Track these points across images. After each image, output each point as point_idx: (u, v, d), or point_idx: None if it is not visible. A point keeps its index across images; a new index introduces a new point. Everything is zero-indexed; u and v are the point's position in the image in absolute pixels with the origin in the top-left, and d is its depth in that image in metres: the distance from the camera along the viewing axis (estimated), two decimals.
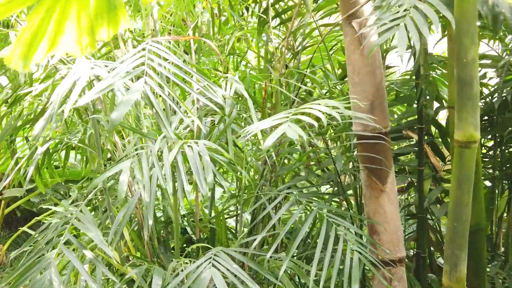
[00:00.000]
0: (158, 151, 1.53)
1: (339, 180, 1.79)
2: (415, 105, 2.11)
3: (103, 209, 2.06)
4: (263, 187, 1.87)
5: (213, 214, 2.16)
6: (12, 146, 1.91)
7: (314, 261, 1.41)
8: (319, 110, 1.26)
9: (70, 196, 5.21)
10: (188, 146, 1.54)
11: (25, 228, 3.52)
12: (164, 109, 1.54)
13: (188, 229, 2.31)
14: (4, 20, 1.58)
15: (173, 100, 1.68)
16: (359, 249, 1.48)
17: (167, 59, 1.35)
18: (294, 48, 2.23)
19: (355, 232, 1.59)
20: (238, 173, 1.82)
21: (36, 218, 3.61)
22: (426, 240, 1.98)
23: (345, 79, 2.05)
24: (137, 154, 1.52)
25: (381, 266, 1.52)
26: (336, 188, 1.99)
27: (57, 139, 1.75)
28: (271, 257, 1.78)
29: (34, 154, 1.68)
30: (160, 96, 1.32)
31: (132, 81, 1.41)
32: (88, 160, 2.18)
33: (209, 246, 1.73)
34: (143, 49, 1.34)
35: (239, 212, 2.36)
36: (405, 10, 1.32)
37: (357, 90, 1.66)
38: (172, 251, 2.24)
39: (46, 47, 0.72)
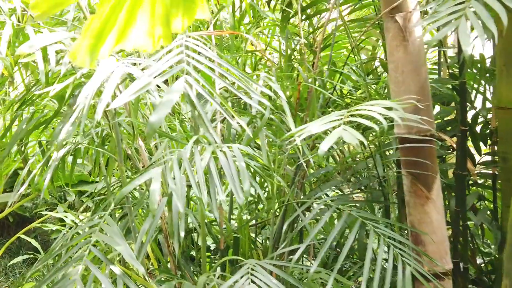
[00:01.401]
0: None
1: (381, 186, 1.71)
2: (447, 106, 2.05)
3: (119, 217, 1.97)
4: (294, 193, 1.78)
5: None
6: (24, 151, 1.80)
7: (364, 277, 1.33)
8: (378, 112, 1.17)
9: (66, 200, 5.08)
10: (221, 150, 1.45)
11: (21, 235, 3.40)
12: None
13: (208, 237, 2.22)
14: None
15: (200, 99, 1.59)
16: (410, 261, 1.40)
17: (206, 56, 1.26)
18: (318, 45, 2.14)
19: (399, 241, 1.51)
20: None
21: (39, 223, 3.49)
22: (467, 251, 1.91)
23: (378, 78, 1.97)
24: (166, 160, 1.43)
25: (432, 279, 1.44)
26: (369, 195, 1.91)
27: (73, 143, 1.65)
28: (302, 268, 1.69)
29: (50, 160, 1.58)
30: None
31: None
32: (96, 164, 2.08)
33: (241, 258, 1.64)
34: (180, 45, 1.24)
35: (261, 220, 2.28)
36: (464, 2, 1.24)
37: (400, 89, 1.58)
38: (196, 262, 2.15)
39: (114, 40, 0.63)
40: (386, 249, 1.45)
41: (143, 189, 2.42)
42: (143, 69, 1.27)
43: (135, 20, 0.62)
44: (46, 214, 5.20)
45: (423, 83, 1.57)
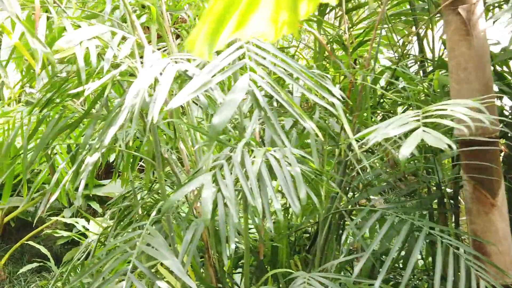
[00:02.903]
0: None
1: (443, 193, 1.62)
2: None
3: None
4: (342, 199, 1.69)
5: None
6: (51, 156, 1.70)
7: None
8: (461, 112, 1.08)
9: (72, 204, 4.96)
10: (272, 155, 1.36)
11: (27, 242, 3.30)
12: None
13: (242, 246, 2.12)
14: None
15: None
16: (482, 274, 1.31)
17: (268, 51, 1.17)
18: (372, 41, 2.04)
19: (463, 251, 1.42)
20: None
21: (46, 228, 3.38)
22: None
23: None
24: (215, 165, 1.34)
25: None
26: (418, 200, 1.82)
27: (106, 147, 1.55)
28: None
29: (83, 165, 1.48)
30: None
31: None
32: (124, 170, 1.99)
33: (290, 271, 1.55)
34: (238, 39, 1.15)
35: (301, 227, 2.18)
36: None
37: (462, 88, 1.49)
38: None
39: (232, 27, 0.53)
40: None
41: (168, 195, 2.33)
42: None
43: (258, 3, 0.53)
44: (47, 219, 5.10)
45: (488, 81, 1.48)
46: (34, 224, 5.58)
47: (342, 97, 1.37)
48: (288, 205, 2.31)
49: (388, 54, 3.12)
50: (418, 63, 2.30)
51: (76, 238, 3.33)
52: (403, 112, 2.35)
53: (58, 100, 1.62)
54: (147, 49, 1.29)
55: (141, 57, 1.48)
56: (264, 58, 1.11)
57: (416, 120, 1.11)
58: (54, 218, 4.49)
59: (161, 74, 1.13)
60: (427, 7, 2.19)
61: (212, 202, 1.40)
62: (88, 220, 3.49)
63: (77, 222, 3.40)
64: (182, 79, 1.26)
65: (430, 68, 2.23)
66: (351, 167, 1.75)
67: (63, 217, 4.39)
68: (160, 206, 1.50)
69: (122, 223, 2.03)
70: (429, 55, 2.30)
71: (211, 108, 1.36)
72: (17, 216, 4.76)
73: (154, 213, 1.43)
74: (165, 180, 1.92)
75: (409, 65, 2.29)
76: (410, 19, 2.29)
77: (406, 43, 2.81)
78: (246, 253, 1.59)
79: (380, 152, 1.62)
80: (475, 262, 1.36)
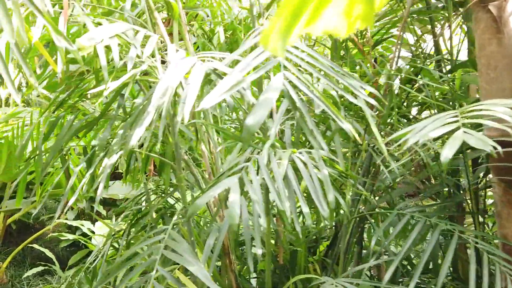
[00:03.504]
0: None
1: (471, 196, 1.58)
2: None
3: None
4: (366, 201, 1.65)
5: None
6: (66, 158, 1.66)
7: None
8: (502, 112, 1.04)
9: (72, 208, 4.89)
10: (297, 156, 1.33)
11: (30, 244, 3.25)
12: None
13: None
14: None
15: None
16: None
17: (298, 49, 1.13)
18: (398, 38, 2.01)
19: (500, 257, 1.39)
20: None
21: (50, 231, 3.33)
22: None
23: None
24: (240, 168, 1.30)
25: None
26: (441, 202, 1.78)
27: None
28: None
29: (101, 167, 1.45)
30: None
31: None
32: (132, 172, 1.95)
33: (315, 276, 1.51)
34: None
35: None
36: None
37: (492, 88, 1.46)
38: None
39: (304, 22, 0.49)
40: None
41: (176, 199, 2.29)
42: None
43: None
44: (47, 222, 5.05)
45: None
46: (33, 226, 5.53)
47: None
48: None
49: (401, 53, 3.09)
50: (434, 62, 2.26)
51: (82, 241, 3.29)
52: (419, 113, 2.32)
53: (72, 101, 1.58)
54: (170, 48, 1.25)
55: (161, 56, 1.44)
56: (301, 58, 1.08)
57: (454, 121, 1.08)
58: (58, 220, 4.45)
59: (188, 73, 1.09)
60: (441, 5, 2.16)
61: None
62: (93, 223, 3.45)
63: (82, 225, 3.35)
64: (206, 79, 1.22)
65: (443, 68, 2.19)
66: (373, 169, 1.72)
67: (66, 219, 4.34)
68: (181, 210, 1.46)
69: (134, 227, 2.00)
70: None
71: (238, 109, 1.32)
72: (18, 218, 4.71)
73: (175, 217, 1.39)
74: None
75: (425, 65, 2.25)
76: (426, 18, 2.26)
77: (419, 42, 2.78)
78: (267, 258, 1.55)
79: (405, 154, 1.58)
80: (506, 266, 1.33)
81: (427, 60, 1.93)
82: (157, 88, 1.10)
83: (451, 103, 1.87)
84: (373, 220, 1.60)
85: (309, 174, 1.29)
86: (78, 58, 1.06)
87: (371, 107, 1.60)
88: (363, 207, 1.67)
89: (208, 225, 1.76)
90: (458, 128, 1.05)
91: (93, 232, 3.30)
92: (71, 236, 3.19)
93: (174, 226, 1.32)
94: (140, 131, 1.09)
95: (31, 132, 1.53)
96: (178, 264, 1.61)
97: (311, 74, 1.13)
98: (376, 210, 1.64)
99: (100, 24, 1.26)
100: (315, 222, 1.99)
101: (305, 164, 1.32)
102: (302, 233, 1.85)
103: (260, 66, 1.05)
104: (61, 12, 1.22)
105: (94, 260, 1.99)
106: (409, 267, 1.97)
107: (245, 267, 2.01)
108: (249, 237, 1.36)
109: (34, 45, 1.21)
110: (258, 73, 1.03)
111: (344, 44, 2.24)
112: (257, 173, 1.27)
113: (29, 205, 3.56)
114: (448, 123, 1.07)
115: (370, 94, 1.67)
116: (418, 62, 1.94)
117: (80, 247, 4.52)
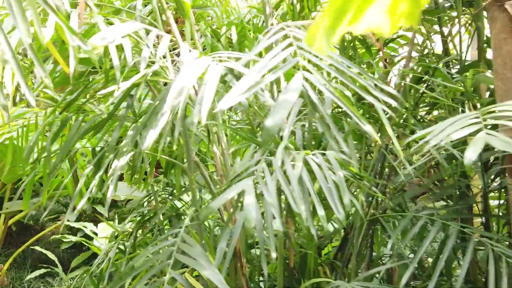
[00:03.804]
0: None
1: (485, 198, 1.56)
2: None
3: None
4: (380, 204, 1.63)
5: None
6: (74, 160, 1.64)
7: None
8: None
9: (75, 208, 4.86)
10: (311, 158, 1.31)
11: (31, 246, 3.22)
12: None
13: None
14: None
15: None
16: None
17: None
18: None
19: None
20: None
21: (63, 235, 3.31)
22: None
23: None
24: (253, 170, 1.28)
25: None
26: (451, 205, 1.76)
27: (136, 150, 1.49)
28: None
29: (111, 170, 1.42)
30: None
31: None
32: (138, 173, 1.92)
33: (328, 280, 1.49)
34: (287, 36, 1.09)
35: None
36: None
37: (509, 87, 1.44)
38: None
39: (347, 21, 0.48)
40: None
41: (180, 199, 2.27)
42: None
43: None
44: (47, 224, 5.01)
45: None
46: (33, 228, 5.50)
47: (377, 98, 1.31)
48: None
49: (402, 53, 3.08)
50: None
51: (84, 243, 3.27)
52: (427, 114, 2.30)
53: (80, 102, 1.56)
54: (183, 48, 1.23)
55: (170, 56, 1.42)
56: (319, 58, 1.06)
57: (477, 122, 1.06)
58: (58, 223, 4.42)
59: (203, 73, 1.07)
60: (448, 4, 2.14)
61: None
62: (96, 224, 3.42)
63: (85, 227, 3.33)
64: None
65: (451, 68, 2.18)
66: (385, 170, 1.70)
67: (68, 220, 4.31)
68: (193, 212, 1.44)
69: (141, 229, 1.97)
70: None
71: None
72: (19, 220, 4.69)
73: (187, 219, 1.37)
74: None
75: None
76: (434, 18, 2.25)
77: (425, 43, 2.76)
78: (279, 261, 1.53)
79: (415, 155, 1.57)
80: None
81: (439, 61, 1.91)
82: (172, 88, 1.07)
83: (462, 103, 1.86)
84: (386, 223, 1.58)
85: (324, 176, 1.27)
86: (92, 58, 1.03)
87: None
88: (374, 210, 1.65)
89: (217, 227, 1.74)
90: (480, 130, 1.03)
91: (95, 234, 3.28)
92: (74, 238, 3.16)
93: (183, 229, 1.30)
94: (155, 132, 1.06)
95: (41, 132, 1.51)
96: (187, 267, 1.59)
97: (329, 74, 1.11)
98: (387, 212, 1.62)
99: (111, 23, 1.24)
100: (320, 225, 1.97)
101: (319, 166, 1.30)
102: (313, 237, 1.83)
103: (278, 67, 1.03)
104: (71, 11, 1.20)
105: (101, 263, 1.97)
106: (419, 270, 1.96)
107: (252, 270, 2.00)
108: (262, 240, 1.34)
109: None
110: (276, 74, 1.01)
111: (352, 43, 2.22)
112: (271, 175, 1.25)
113: (32, 206, 3.53)
114: (471, 125, 1.05)
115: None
116: (428, 61, 1.92)
117: (81, 248, 4.50)
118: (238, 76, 1.09)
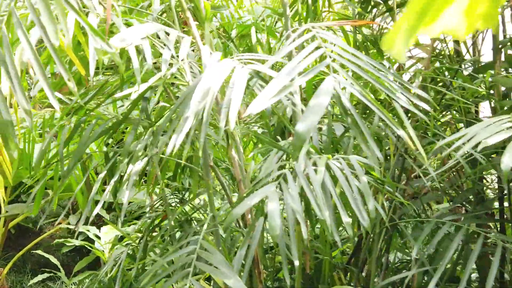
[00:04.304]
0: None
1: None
2: None
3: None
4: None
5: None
6: (86, 164, 1.60)
7: None
8: None
9: (76, 211, 4.83)
10: (334, 163, 1.28)
11: (33, 250, 3.17)
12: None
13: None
14: None
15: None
16: None
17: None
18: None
19: None
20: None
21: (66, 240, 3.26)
22: None
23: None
24: (276, 175, 1.25)
25: None
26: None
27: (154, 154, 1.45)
28: None
29: (126, 175, 1.39)
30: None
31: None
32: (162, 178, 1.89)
33: (346, 287, 1.46)
34: (314, 37, 1.07)
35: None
36: None
37: None
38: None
39: (421, 23, 0.45)
40: None
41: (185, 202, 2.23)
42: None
43: None
44: (46, 227, 4.95)
45: None
46: (32, 231, 5.44)
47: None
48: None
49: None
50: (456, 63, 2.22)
51: (87, 247, 3.22)
52: (443, 116, 2.28)
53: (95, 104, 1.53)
54: (204, 50, 1.20)
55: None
56: (353, 62, 1.03)
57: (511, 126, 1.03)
58: (58, 226, 4.37)
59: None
60: None
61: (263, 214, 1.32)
62: (99, 228, 3.38)
63: (88, 230, 3.28)
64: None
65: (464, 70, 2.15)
66: (402, 175, 1.67)
67: (69, 223, 4.26)
68: (210, 218, 1.41)
69: (151, 234, 1.94)
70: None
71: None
72: (17, 222, 4.64)
73: (205, 226, 1.33)
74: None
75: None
76: None
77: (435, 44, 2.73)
78: (298, 268, 1.50)
79: (436, 160, 1.54)
80: None
81: (460, 62, 1.88)
82: (196, 91, 1.04)
83: (476, 105, 1.84)
84: (405, 229, 1.55)
85: (347, 181, 1.24)
86: (117, 60, 1.00)
87: (407, 111, 1.55)
88: (393, 215, 1.63)
89: (232, 234, 1.71)
90: None
91: (98, 237, 3.23)
92: (77, 242, 3.12)
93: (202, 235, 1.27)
94: (179, 138, 1.03)
95: (51, 137, 1.47)
96: (203, 273, 1.56)
97: (360, 77, 1.08)
98: (403, 217, 1.60)
99: (130, 24, 1.21)
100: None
101: (342, 171, 1.27)
102: (329, 241, 1.80)
103: (307, 69, 1.00)
104: (88, 12, 1.16)
105: (110, 269, 1.93)
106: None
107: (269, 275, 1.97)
108: (284, 247, 1.31)
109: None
110: (307, 77, 0.98)
111: (364, 44, 2.19)
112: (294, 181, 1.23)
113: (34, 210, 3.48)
114: (504, 129, 1.03)
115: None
116: (445, 62, 1.90)
117: (80, 252, 4.45)
118: (265, 80, 1.06)
